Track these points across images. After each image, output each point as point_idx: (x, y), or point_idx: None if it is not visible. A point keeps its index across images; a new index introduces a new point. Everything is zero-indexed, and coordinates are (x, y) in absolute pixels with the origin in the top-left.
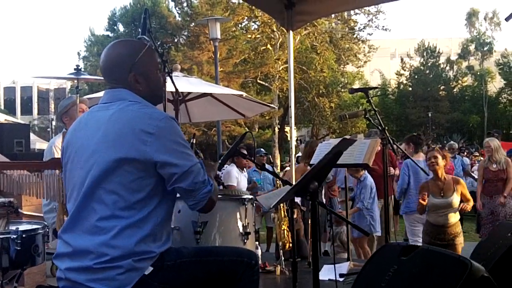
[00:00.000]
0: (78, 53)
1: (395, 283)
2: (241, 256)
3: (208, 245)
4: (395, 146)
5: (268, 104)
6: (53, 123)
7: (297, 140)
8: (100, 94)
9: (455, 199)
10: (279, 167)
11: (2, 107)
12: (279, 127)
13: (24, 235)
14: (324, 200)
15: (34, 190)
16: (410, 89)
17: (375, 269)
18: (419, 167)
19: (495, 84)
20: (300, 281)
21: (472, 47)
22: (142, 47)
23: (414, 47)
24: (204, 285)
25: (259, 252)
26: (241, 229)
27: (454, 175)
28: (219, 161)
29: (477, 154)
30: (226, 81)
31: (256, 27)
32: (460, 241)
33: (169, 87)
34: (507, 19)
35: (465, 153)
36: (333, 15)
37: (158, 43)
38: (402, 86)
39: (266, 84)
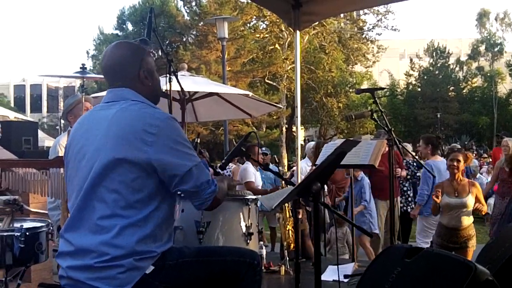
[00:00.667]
0: (87, 52)
1: (398, 285)
2: (243, 257)
3: (211, 245)
4: (400, 147)
5: (275, 104)
6: (62, 121)
7: (304, 140)
8: (105, 93)
9: (470, 200)
10: (286, 167)
11: (12, 105)
12: (286, 126)
13: (27, 233)
14: (329, 200)
15: (40, 188)
16: (419, 89)
17: (379, 271)
18: (426, 169)
19: (505, 86)
20: (304, 281)
21: (482, 48)
22: (143, 48)
23: (424, 48)
24: (206, 285)
25: (263, 252)
26: (244, 230)
27: None
28: (222, 161)
29: (486, 156)
30: (234, 81)
31: (265, 26)
32: (472, 243)
33: (175, 87)
34: None
35: (474, 154)
36: (342, 15)
37: (167, 42)
38: (411, 86)
39: (274, 84)
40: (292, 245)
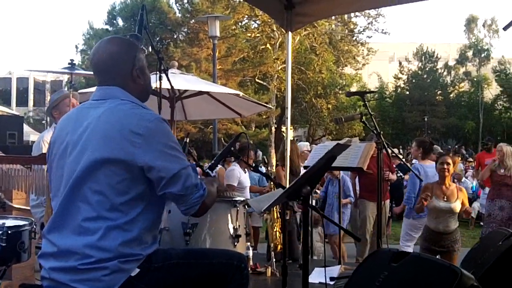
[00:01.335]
0: (76, 46)
1: None
2: (231, 259)
3: (198, 247)
4: (389, 151)
5: (265, 104)
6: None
7: (292, 140)
8: (93, 89)
9: (458, 205)
10: (274, 167)
11: None
12: (276, 126)
13: (9, 231)
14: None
15: (23, 185)
16: (408, 93)
17: (366, 274)
18: (414, 173)
19: (491, 91)
20: (290, 283)
21: (470, 53)
22: (136, 44)
23: (413, 51)
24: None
25: (250, 253)
26: (231, 232)
27: None
28: (212, 162)
29: (471, 160)
30: (224, 79)
31: (256, 26)
32: (458, 247)
33: (165, 84)
34: (505, 29)
35: (460, 159)
36: (333, 17)
37: (157, 38)
38: (399, 89)
39: (264, 84)
40: (279, 247)
